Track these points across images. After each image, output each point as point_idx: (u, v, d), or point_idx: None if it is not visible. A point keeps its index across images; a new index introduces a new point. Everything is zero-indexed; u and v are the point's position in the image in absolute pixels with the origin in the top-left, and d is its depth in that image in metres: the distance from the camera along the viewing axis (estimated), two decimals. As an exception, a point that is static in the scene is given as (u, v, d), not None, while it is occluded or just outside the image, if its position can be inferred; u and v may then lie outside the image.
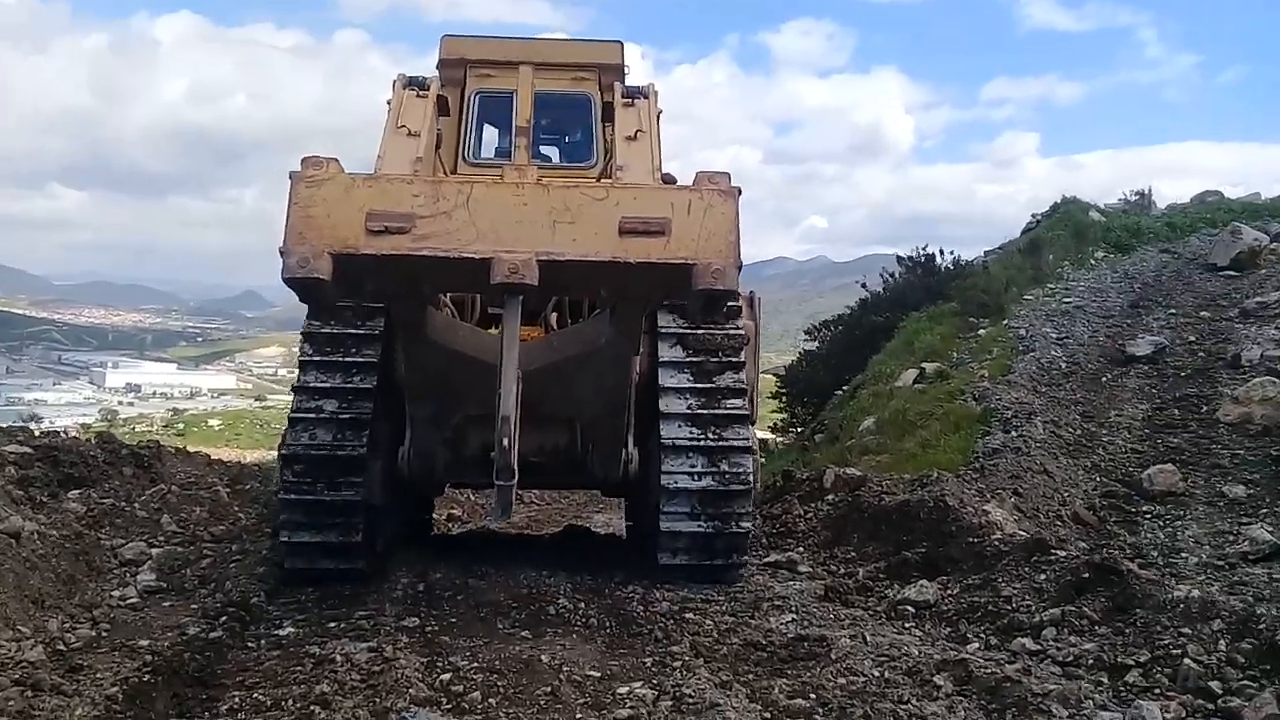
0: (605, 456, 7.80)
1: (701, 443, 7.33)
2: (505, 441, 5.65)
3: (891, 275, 22.25)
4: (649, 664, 5.62)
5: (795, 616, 6.68)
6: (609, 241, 5.26)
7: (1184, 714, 4.41)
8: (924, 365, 14.11)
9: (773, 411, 25.36)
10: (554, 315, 8.27)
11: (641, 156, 7.81)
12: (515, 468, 5.73)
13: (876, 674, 5.35)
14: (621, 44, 9.33)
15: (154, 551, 7.71)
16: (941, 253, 20.91)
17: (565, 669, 5.47)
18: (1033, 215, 25.67)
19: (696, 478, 7.29)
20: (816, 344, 25.00)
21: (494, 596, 7.11)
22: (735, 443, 7.35)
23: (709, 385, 7.48)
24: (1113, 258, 21.09)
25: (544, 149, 9.54)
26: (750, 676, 5.37)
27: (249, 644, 5.93)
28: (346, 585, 7.38)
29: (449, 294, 7.72)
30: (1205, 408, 11.25)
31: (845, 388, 16.89)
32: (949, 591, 6.70)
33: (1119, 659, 5.05)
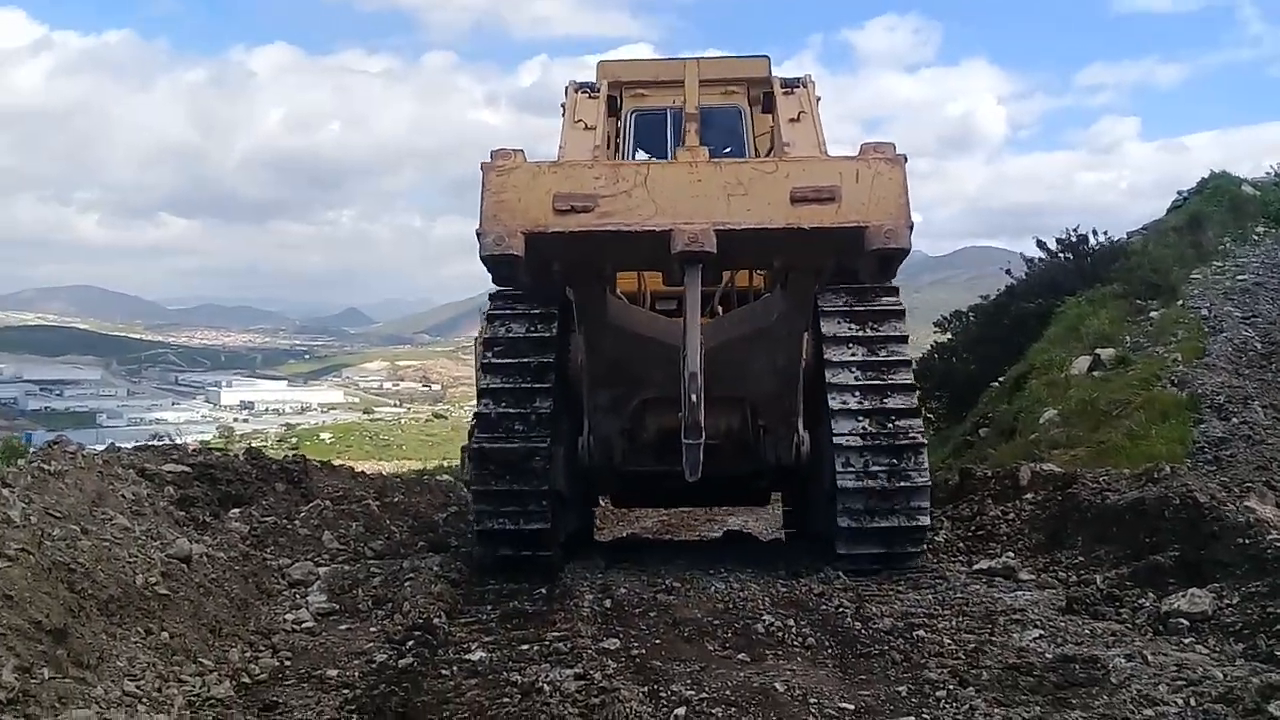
0: (777, 439, 7.94)
1: (870, 406, 7.46)
2: (694, 398, 5.86)
3: (1033, 260, 21.03)
4: (904, 693, 4.90)
5: (1043, 632, 5.85)
6: (782, 210, 5.58)
7: None
8: (1098, 351, 13.03)
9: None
10: (720, 309, 8.45)
11: (806, 134, 7.91)
12: (703, 425, 5.93)
13: (1182, 702, 4.53)
14: (768, 58, 9.64)
15: (321, 571, 7.25)
16: (1095, 233, 19.62)
17: (812, 700, 4.79)
18: (1179, 192, 24.14)
19: (868, 438, 7.36)
20: (949, 335, 23.85)
21: (690, 613, 6.49)
22: (902, 406, 7.54)
23: (874, 358, 7.62)
24: (1277, 232, 19.61)
25: None
26: (1037, 708, 4.58)
27: (443, 671, 5.38)
28: (529, 601, 6.90)
29: (620, 289, 8.07)
30: None
31: (1001, 379, 15.83)
32: (1227, 601, 5.78)
33: None
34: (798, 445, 7.91)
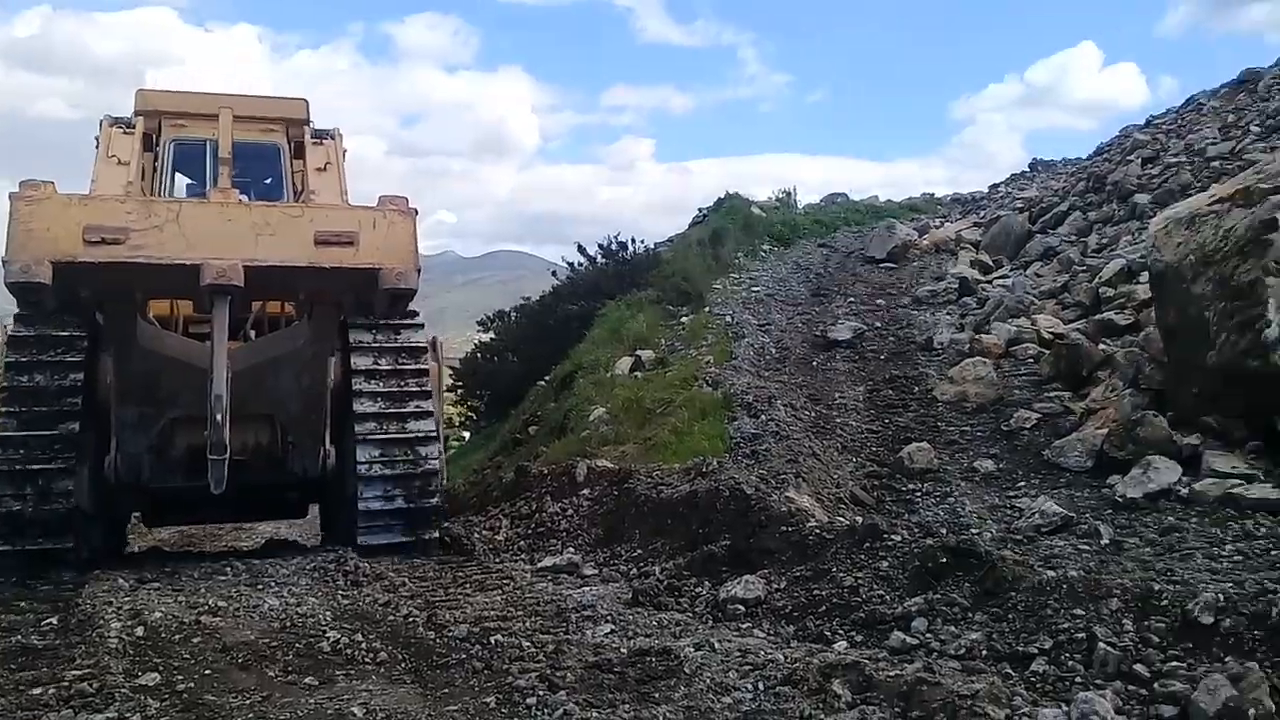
0: (304, 453, 8.49)
1: (391, 435, 8.16)
2: (219, 417, 6.45)
3: (573, 265, 21.91)
4: (492, 704, 4.64)
5: (614, 627, 5.93)
6: (306, 250, 6.46)
7: (1121, 703, 4.13)
8: (638, 353, 13.78)
9: (449, 405, 24.43)
10: (253, 333, 8.94)
11: (330, 183, 9.33)
12: (227, 443, 6.57)
13: (752, 687, 4.71)
14: (306, 101, 10.46)
15: None
16: (633, 241, 20.86)
17: (395, 724, 4.38)
18: (699, 209, 26.43)
19: (389, 465, 8.09)
20: (492, 335, 24.18)
21: (242, 635, 5.78)
22: (419, 432, 8.24)
23: (396, 386, 8.31)
24: (779, 250, 22.08)
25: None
26: (625, 707, 4.53)
27: (-79, 733, 4.29)
28: (37, 634, 5.82)
29: (153, 313, 8.41)
30: (917, 388, 11.73)
31: (548, 378, 16.25)
32: (776, 586, 6.21)
33: (1018, 648, 4.74)
34: (324, 459, 8.45)
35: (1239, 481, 7.43)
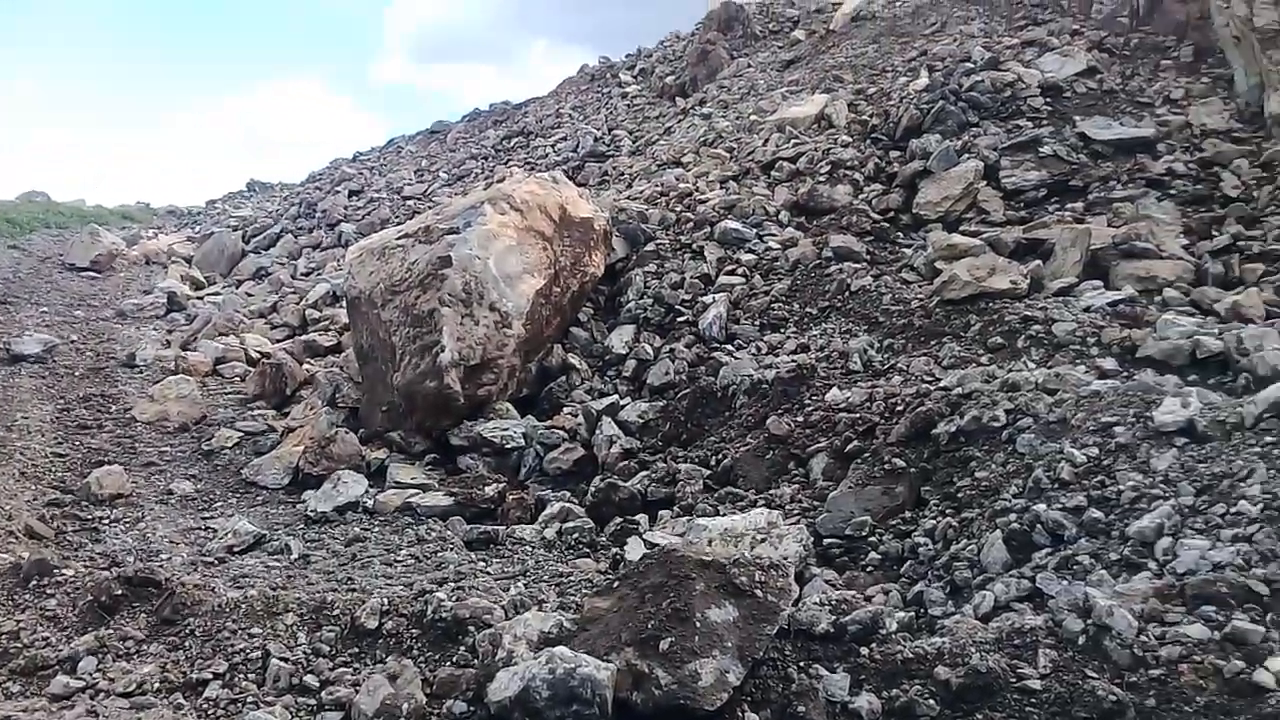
0: None
1: None
2: None
3: None
4: None
5: None
6: None
7: (291, 716, 4.25)
8: None
9: None
10: None
11: None
12: None
13: None
14: None
15: None
16: None
17: None
18: None
19: None
20: None
21: None
22: None
23: None
24: None
25: None
26: None
27: None
28: None
29: None
30: (115, 407, 10.96)
31: None
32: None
33: (193, 675, 4.63)
34: None
35: (416, 491, 8.22)
